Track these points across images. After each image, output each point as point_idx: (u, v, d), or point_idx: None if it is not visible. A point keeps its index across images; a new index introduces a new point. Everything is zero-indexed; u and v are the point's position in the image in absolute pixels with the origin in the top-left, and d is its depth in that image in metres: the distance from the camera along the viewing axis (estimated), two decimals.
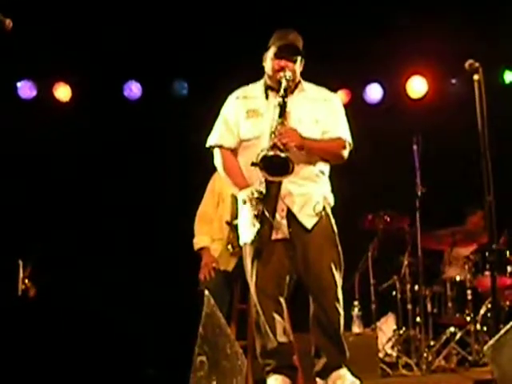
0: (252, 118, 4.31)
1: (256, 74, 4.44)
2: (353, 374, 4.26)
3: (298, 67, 4.32)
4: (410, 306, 6.41)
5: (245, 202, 4.17)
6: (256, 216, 4.12)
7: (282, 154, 4.01)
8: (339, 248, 4.32)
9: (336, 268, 4.26)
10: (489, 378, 4.12)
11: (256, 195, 4.09)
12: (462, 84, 7.49)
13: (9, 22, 3.57)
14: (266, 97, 4.34)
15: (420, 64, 7.77)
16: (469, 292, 6.42)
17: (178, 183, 7.42)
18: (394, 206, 6.62)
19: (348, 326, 6.00)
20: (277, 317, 4.24)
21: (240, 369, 3.98)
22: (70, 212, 7.51)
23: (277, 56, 4.28)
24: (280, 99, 4.18)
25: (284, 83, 4.21)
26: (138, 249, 7.36)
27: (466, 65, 4.46)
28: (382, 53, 7.34)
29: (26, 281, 5.91)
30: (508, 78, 7.77)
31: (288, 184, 4.18)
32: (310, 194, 4.26)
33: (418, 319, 6.34)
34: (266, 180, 4.08)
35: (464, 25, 7.10)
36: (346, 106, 4.57)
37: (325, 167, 4.37)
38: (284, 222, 4.22)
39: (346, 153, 4.37)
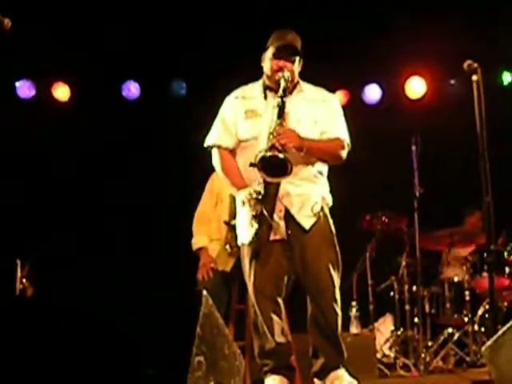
0: (250, 118, 4.31)
1: (255, 74, 4.44)
2: (350, 374, 4.26)
3: (297, 67, 4.32)
4: (407, 307, 6.41)
5: (243, 203, 4.17)
6: (254, 216, 4.12)
7: (281, 155, 4.01)
8: (337, 248, 4.32)
9: (334, 268, 4.26)
10: (486, 378, 4.14)
11: (254, 195, 4.09)
12: (461, 85, 7.49)
13: (7, 22, 3.58)
14: (265, 97, 4.34)
15: (419, 64, 7.77)
16: (467, 293, 6.43)
17: (177, 183, 7.43)
18: (392, 206, 6.63)
19: (346, 327, 6.00)
20: (275, 317, 4.24)
21: (238, 369, 3.98)
22: (68, 212, 7.51)
23: (275, 56, 4.28)
24: (279, 100, 4.18)
25: (282, 84, 4.20)
26: (137, 249, 7.36)
27: (465, 65, 4.46)
28: (381, 53, 7.34)
29: (24, 280, 5.91)
30: (506, 78, 7.77)
31: (286, 185, 4.18)
32: (308, 194, 4.26)
33: (415, 320, 6.34)
34: (264, 180, 4.08)
35: (462, 25, 7.10)
36: (344, 107, 4.58)
37: (323, 168, 4.37)
38: (282, 222, 4.22)
39: (344, 153, 4.37)
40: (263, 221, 4.13)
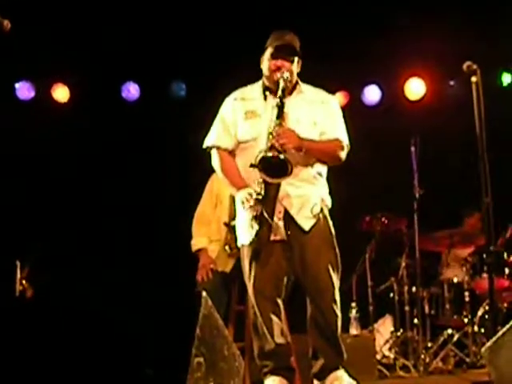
0: (250, 119, 4.31)
1: (254, 75, 4.44)
2: (350, 375, 4.26)
3: (295, 68, 4.32)
4: (407, 308, 6.41)
5: (243, 203, 4.17)
6: (255, 217, 4.12)
7: (281, 156, 4.01)
8: (337, 250, 4.32)
9: (333, 270, 4.26)
10: (486, 379, 4.14)
11: (254, 196, 4.09)
12: (460, 86, 7.50)
13: (7, 23, 3.58)
14: (264, 98, 4.34)
15: (418, 66, 7.78)
16: (466, 294, 6.43)
17: (177, 184, 7.43)
18: (391, 207, 6.62)
19: (345, 328, 5.99)
20: (274, 318, 4.24)
21: (237, 370, 3.98)
22: (68, 212, 7.51)
23: (273, 56, 4.28)
24: (278, 100, 4.18)
25: (282, 84, 4.21)
26: (137, 250, 7.36)
27: (464, 67, 4.46)
28: (381, 54, 7.35)
29: (24, 282, 5.91)
30: (506, 79, 7.77)
31: (286, 186, 4.18)
32: (308, 195, 4.26)
33: (415, 321, 6.34)
34: (264, 181, 4.08)
35: (462, 27, 7.10)
36: (344, 108, 4.58)
37: (322, 169, 4.37)
38: (281, 223, 4.22)
39: (343, 154, 4.37)
40: (263, 221, 4.13)
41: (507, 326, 3.92)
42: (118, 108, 7.89)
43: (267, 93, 4.34)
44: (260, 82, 4.41)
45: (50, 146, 7.42)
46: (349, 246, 4.70)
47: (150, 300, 6.63)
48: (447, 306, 6.57)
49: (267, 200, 4.12)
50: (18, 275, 5.81)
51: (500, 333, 3.94)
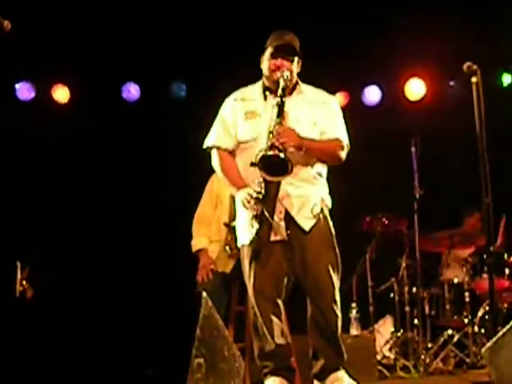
0: (250, 119, 4.31)
1: (255, 75, 4.44)
2: (350, 376, 4.26)
3: (295, 68, 4.33)
4: (407, 308, 6.41)
5: (243, 203, 4.17)
6: (255, 216, 4.12)
7: (281, 155, 4.01)
8: (337, 250, 4.32)
9: (333, 270, 4.26)
10: (486, 380, 4.14)
11: (255, 195, 4.09)
12: (460, 86, 7.50)
13: (7, 24, 3.58)
14: (264, 98, 4.34)
15: (418, 66, 7.78)
16: (467, 294, 6.42)
17: (177, 185, 7.43)
18: (392, 208, 6.62)
19: (346, 328, 6.00)
20: (274, 319, 4.24)
21: (237, 371, 3.98)
22: (67, 213, 7.51)
23: (273, 56, 4.28)
24: (278, 99, 4.18)
25: (282, 83, 4.21)
26: (137, 250, 7.36)
27: (464, 67, 4.46)
28: (381, 55, 7.35)
29: (24, 282, 5.91)
30: (506, 80, 7.77)
31: (286, 185, 4.18)
32: (308, 195, 4.26)
33: (415, 321, 6.34)
34: (264, 180, 4.08)
35: (462, 27, 7.10)
36: (344, 108, 4.58)
37: (322, 169, 4.37)
38: (282, 223, 4.22)
39: (343, 154, 4.37)
40: (264, 221, 4.13)
41: (507, 327, 3.91)
42: (118, 108, 7.89)
43: (267, 93, 4.34)
44: (260, 83, 4.41)
45: (50, 146, 7.42)
46: (349, 246, 4.70)
47: (150, 300, 6.63)
48: (447, 307, 6.57)
49: (267, 199, 4.12)
50: (19, 276, 5.81)
51: (500, 333, 3.94)
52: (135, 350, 3.75)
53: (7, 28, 3.57)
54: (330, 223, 4.35)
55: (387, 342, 6.57)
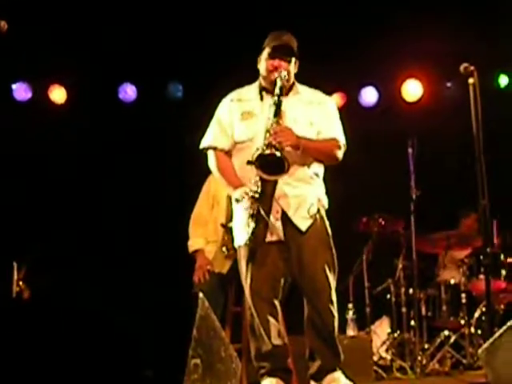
0: (246, 120, 4.31)
1: (252, 75, 4.44)
2: (347, 376, 4.26)
3: (293, 68, 4.33)
4: (404, 309, 6.41)
5: (237, 201, 4.17)
6: (252, 215, 4.12)
7: (278, 153, 4.01)
8: (333, 250, 4.32)
9: (330, 270, 4.26)
10: (483, 381, 4.13)
11: (251, 194, 4.09)
12: (457, 87, 7.51)
13: (4, 24, 3.58)
14: (261, 98, 4.35)
15: (415, 67, 7.78)
16: (463, 295, 6.42)
17: (174, 185, 7.42)
18: (388, 208, 6.62)
19: (342, 329, 5.99)
20: (271, 319, 4.24)
21: (234, 372, 3.98)
22: (65, 213, 7.50)
23: (271, 56, 4.29)
24: (275, 98, 4.18)
25: (279, 82, 4.21)
26: (134, 251, 7.35)
27: (461, 68, 4.47)
28: (378, 56, 7.35)
29: (21, 283, 5.91)
30: (503, 81, 7.78)
31: (283, 185, 4.18)
32: (305, 195, 4.26)
33: (412, 322, 6.33)
34: (261, 179, 4.07)
35: (459, 28, 7.10)
36: (341, 109, 4.58)
37: (319, 169, 4.37)
38: (279, 223, 4.22)
39: (340, 154, 4.37)
40: (260, 220, 4.13)
41: (504, 328, 3.92)
42: (115, 109, 7.88)
43: (264, 93, 4.34)
44: (256, 83, 4.42)
45: (47, 147, 7.41)
46: (345, 246, 4.70)
47: (146, 302, 6.62)
48: (444, 308, 6.56)
49: (264, 198, 4.12)
50: (15, 276, 5.80)
51: (497, 334, 3.95)
52: (132, 351, 3.75)
53: (4, 28, 3.58)
54: (327, 223, 4.36)
55: (384, 342, 6.57)
